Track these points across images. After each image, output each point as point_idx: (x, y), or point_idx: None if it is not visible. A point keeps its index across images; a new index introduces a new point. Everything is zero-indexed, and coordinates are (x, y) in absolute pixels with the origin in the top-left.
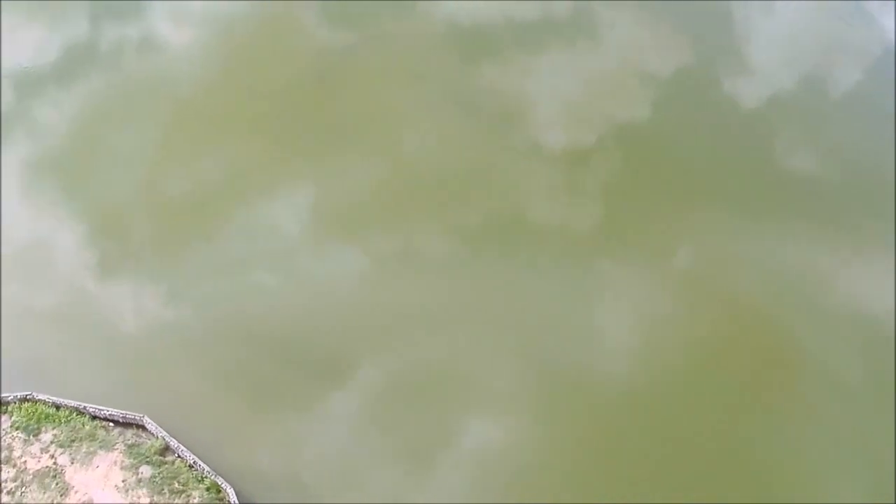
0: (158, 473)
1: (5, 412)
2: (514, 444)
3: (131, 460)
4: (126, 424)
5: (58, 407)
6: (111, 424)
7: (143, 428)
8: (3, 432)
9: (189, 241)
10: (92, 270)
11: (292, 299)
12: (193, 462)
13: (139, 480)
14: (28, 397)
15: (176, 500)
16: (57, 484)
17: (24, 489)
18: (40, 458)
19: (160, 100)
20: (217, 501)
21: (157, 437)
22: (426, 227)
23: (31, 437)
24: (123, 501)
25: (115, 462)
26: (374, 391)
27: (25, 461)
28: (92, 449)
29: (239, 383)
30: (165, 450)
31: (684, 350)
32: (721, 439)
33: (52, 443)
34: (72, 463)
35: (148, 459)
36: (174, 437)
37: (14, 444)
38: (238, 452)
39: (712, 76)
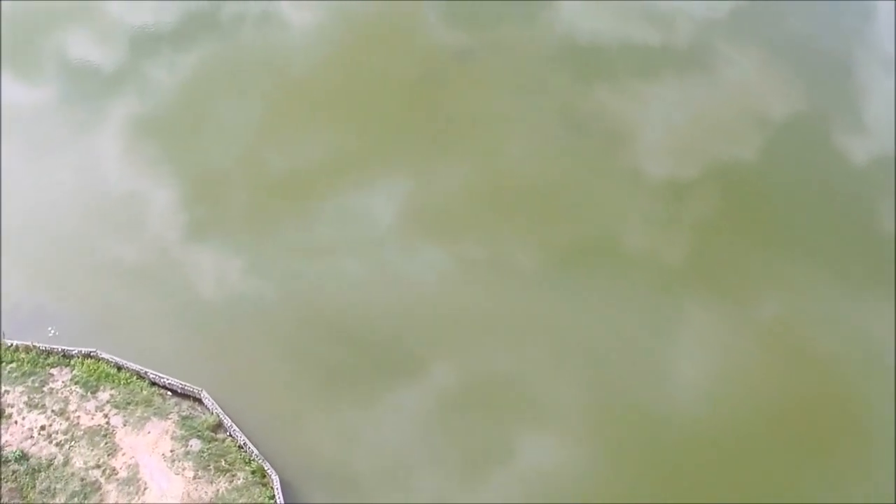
0: (207, 449)
1: (68, 365)
2: (568, 469)
3: (183, 432)
4: (183, 395)
5: (119, 368)
6: (169, 393)
7: (200, 402)
8: (62, 385)
9: (280, 217)
10: (179, 233)
11: (372, 291)
12: (244, 443)
13: (187, 453)
14: (92, 354)
15: (220, 478)
16: (106, 443)
17: (73, 443)
18: (94, 415)
19: (271, 76)
20: (260, 486)
21: (212, 413)
22: (516, 239)
23: (89, 393)
24: (169, 471)
25: (167, 431)
26: (438, 394)
27: (79, 416)
28: (146, 415)
29: (304, 369)
30: (218, 426)
31: (755, 401)
32: (778, 493)
33: (107, 402)
34: (124, 425)
35: (199, 434)
36: (229, 416)
37: (71, 397)
38: (290, 439)
39: (824, 128)
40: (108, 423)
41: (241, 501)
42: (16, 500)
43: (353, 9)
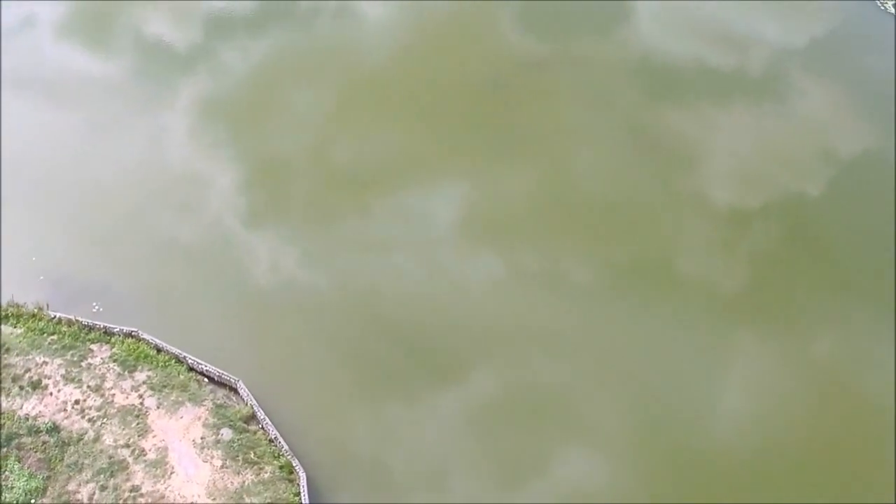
0: (238, 440)
1: (108, 342)
2: (603, 488)
3: (215, 420)
4: (220, 383)
5: (159, 350)
6: (206, 380)
7: (236, 391)
8: (101, 361)
9: (339, 210)
10: (236, 218)
11: (424, 292)
12: (275, 437)
13: (217, 441)
14: (133, 333)
15: (247, 470)
16: (138, 424)
17: (105, 420)
18: (129, 394)
19: (342, 69)
20: (287, 482)
21: (247, 404)
22: (573, 254)
23: (126, 372)
24: (197, 457)
25: (200, 418)
26: (479, 400)
27: (114, 394)
28: (181, 399)
29: (346, 366)
30: (251, 418)
31: (798, 438)
32: None
33: (144, 383)
34: (157, 407)
35: (232, 423)
36: (263, 408)
37: (108, 375)
38: (323, 437)
39: (892, 169)
40: (142, 403)
41: (265, 495)
42: (43, 471)
43: (430, 9)
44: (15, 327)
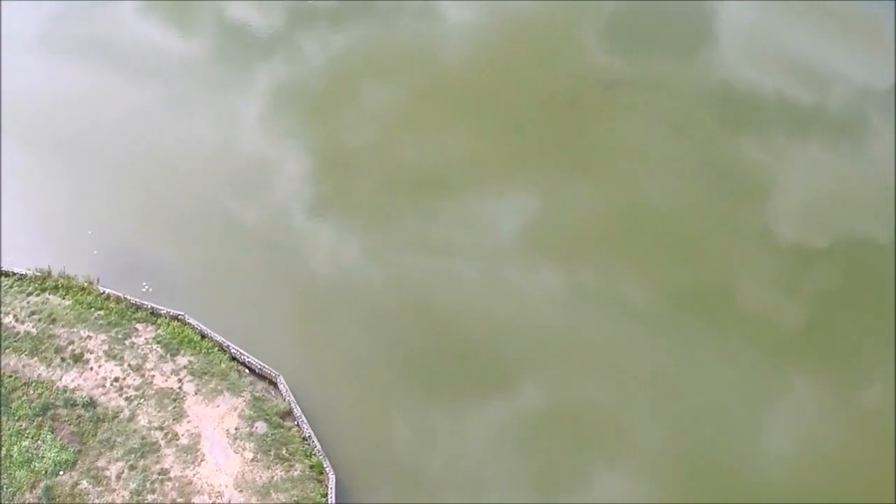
0: (272, 434)
1: (154, 323)
2: None
3: (252, 412)
4: (261, 376)
5: (203, 336)
6: (246, 371)
7: (275, 385)
8: (144, 342)
9: (402, 209)
10: (297, 208)
11: (478, 299)
12: (309, 435)
13: (251, 434)
14: (179, 317)
15: (277, 466)
16: (174, 407)
17: (142, 401)
18: (169, 377)
19: (419, 69)
20: (315, 481)
21: (285, 400)
22: (633, 275)
23: (169, 355)
24: (229, 448)
25: (236, 408)
26: (521, 413)
27: (154, 376)
28: (220, 388)
29: (390, 368)
30: (287, 414)
31: (841, 482)
32: None
33: (184, 368)
34: (195, 393)
35: (267, 418)
36: (300, 405)
37: (150, 356)
38: (359, 439)
39: None
40: (180, 388)
41: (292, 493)
42: (74, 445)
43: (513, 16)
44: (63, 298)
